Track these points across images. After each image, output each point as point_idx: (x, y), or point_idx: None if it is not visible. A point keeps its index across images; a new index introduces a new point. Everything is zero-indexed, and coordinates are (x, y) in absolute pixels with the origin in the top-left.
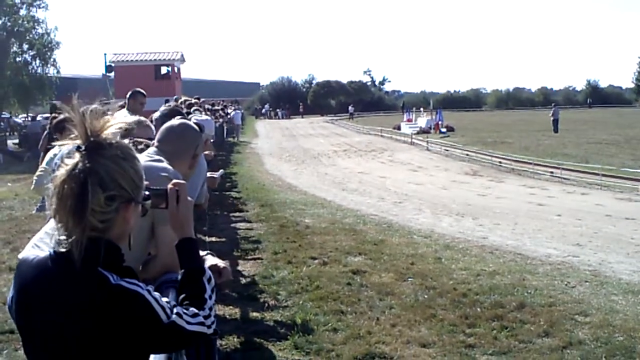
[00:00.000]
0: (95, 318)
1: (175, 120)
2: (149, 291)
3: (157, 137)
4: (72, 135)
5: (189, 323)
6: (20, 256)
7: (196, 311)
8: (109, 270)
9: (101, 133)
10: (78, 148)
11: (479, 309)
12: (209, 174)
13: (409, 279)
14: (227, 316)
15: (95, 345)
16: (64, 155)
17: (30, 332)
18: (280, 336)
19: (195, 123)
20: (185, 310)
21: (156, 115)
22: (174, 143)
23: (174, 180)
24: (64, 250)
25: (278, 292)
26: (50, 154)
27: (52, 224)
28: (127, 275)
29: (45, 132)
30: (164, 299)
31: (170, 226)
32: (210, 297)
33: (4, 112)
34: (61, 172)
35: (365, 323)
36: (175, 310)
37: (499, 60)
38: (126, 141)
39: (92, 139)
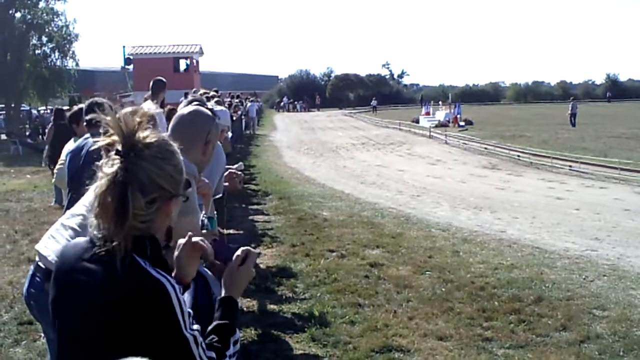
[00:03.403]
0: (115, 298)
1: (186, 108)
2: (174, 287)
3: (169, 126)
4: (108, 134)
5: (200, 356)
6: (36, 247)
7: (214, 356)
8: (144, 258)
9: (136, 132)
10: (117, 152)
11: (496, 303)
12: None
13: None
14: (245, 308)
15: (109, 326)
16: (103, 162)
17: (62, 311)
18: (297, 328)
19: (208, 109)
20: (204, 344)
21: (181, 105)
22: (184, 129)
23: (245, 248)
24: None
25: (295, 285)
26: (67, 147)
27: (67, 215)
28: (159, 267)
29: (50, 124)
30: (190, 313)
31: (224, 281)
32: (230, 357)
33: (23, 105)
34: (102, 183)
35: (382, 316)
36: (195, 332)
37: (518, 54)
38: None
39: (128, 139)
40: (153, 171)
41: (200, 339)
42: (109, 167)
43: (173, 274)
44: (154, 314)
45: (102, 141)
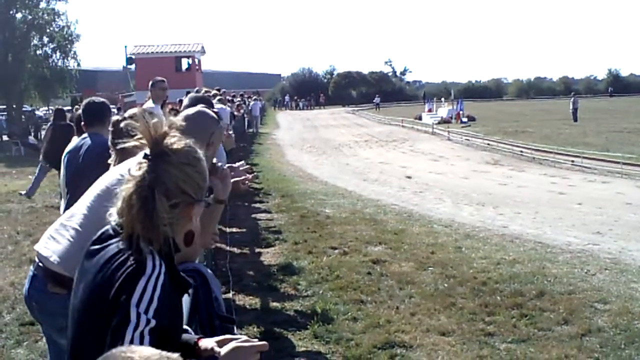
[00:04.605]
0: (111, 262)
1: (192, 109)
2: (154, 271)
3: None
4: (137, 137)
5: (128, 339)
6: (35, 247)
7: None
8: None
9: (164, 138)
10: (145, 156)
11: (498, 298)
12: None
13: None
14: (247, 306)
15: (95, 294)
16: (133, 164)
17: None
18: (300, 326)
19: (213, 111)
20: (147, 339)
21: (185, 102)
22: (187, 130)
23: (260, 345)
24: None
25: (298, 282)
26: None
27: (67, 214)
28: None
29: (49, 124)
30: (152, 321)
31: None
32: None
33: (24, 105)
34: (129, 185)
35: (385, 312)
36: (144, 319)
37: (520, 50)
38: None
39: (156, 145)
40: (178, 177)
41: (144, 328)
42: (136, 170)
43: None
44: (122, 276)
45: (131, 142)
